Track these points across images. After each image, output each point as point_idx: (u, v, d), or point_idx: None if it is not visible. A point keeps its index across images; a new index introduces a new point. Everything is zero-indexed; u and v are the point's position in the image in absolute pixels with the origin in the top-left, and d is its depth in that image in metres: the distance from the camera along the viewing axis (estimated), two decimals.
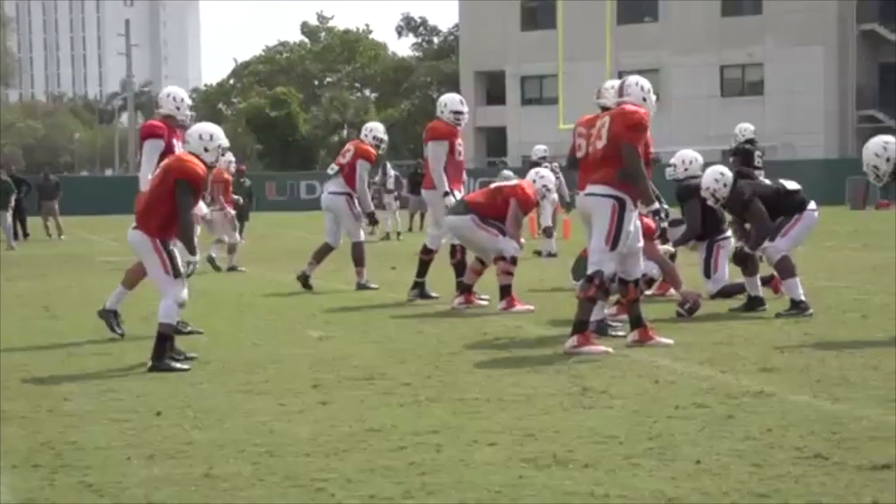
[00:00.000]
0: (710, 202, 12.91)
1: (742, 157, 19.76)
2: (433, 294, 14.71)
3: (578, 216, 10.85)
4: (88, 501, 5.77)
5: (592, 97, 11.85)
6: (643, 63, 61.53)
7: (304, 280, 16.22)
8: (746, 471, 5.96)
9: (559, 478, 5.91)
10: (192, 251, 9.88)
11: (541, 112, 66.11)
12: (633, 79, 10.66)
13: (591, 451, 6.43)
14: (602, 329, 10.86)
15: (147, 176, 11.60)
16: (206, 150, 10.17)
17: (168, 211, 9.88)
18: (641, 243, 10.80)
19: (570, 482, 5.83)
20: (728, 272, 13.82)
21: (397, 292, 15.34)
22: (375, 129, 16.82)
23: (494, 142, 74.62)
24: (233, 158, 21.03)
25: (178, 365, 9.64)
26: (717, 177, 12.79)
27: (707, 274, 13.88)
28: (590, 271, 10.12)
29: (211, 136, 10.25)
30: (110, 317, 11.61)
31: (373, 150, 16.37)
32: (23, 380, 9.26)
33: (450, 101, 14.63)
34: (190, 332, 11.42)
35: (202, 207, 18.69)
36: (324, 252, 16.46)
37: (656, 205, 10.36)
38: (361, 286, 16.26)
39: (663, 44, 66.20)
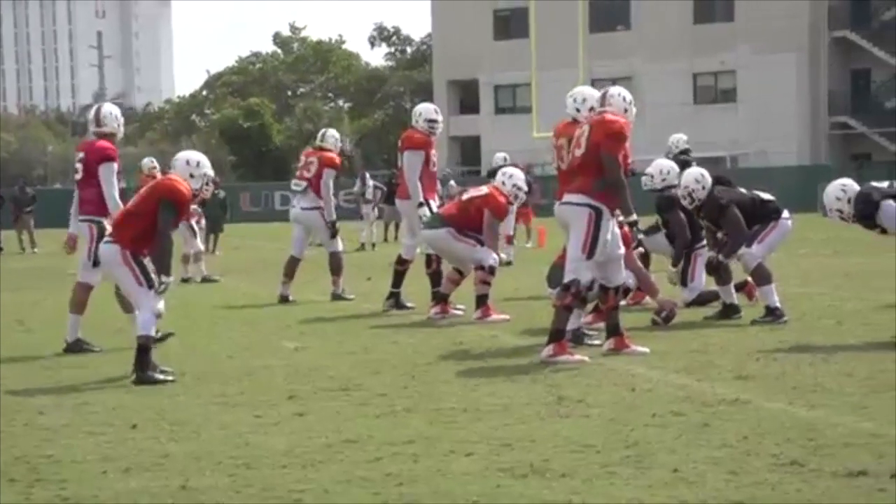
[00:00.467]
0: (686, 202, 12.93)
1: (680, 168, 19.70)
2: (409, 304, 14.68)
3: (556, 224, 10.85)
4: None
5: (566, 106, 11.86)
6: (616, 71, 61.72)
7: (285, 301, 16.14)
8: (723, 478, 5.97)
9: (536, 487, 5.92)
10: (167, 272, 9.84)
11: (514, 121, 66.07)
12: (615, 89, 10.67)
13: (568, 459, 6.44)
14: (578, 338, 10.86)
15: (115, 196, 11.61)
16: (191, 175, 10.23)
17: (144, 226, 9.86)
18: (622, 250, 10.81)
19: (548, 491, 5.83)
20: (705, 281, 13.84)
21: (372, 303, 15.31)
22: (340, 137, 16.84)
23: (468, 151, 74.59)
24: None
25: (161, 377, 9.59)
26: (697, 177, 12.84)
27: (684, 283, 13.92)
28: (566, 280, 10.12)
29: (198, 164, 10.34)
30: (78, 346, 11.57)
31: (337, 158, 16.39)
32: None
33: (424, 110, 14.64)
34: (162, 338, 11.20)
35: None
36: (292, 266, 16.36)
37: (634, 216, 10.35)
38: (337, 296, 16.24)
39: (636, 51, 66.26)
